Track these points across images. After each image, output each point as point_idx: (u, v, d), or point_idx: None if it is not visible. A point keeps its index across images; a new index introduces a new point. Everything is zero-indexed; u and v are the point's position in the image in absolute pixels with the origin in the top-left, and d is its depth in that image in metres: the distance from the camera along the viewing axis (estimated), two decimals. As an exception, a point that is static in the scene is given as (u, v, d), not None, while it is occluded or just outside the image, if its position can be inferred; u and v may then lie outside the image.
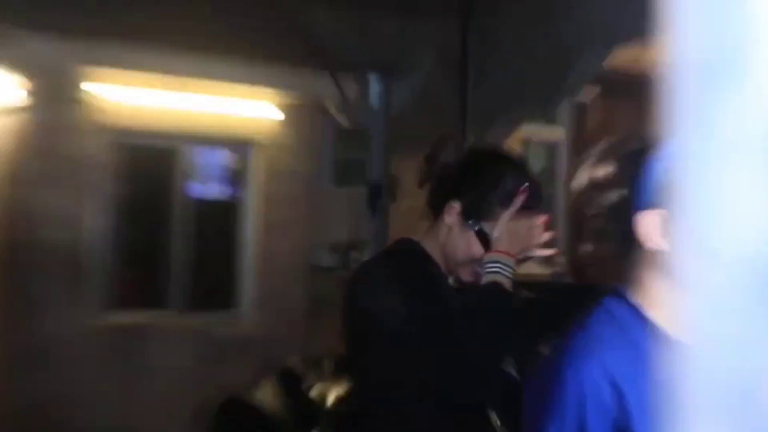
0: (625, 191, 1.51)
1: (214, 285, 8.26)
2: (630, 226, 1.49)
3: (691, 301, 0.57)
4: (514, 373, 2.35)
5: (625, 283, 1.57)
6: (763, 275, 0.58)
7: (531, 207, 2.32)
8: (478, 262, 2.31)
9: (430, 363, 2.11)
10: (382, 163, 8.71)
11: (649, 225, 1.46)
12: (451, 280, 2.39)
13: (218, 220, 8.36)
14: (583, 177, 1.57)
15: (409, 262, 2.30)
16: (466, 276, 2.35)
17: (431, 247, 2.35)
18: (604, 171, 1.54)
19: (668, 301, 1.48)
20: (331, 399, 5.69)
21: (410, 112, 8.65)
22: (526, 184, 2.32)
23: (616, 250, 1.54)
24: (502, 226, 2.28)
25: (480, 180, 2.33)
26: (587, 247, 1.58)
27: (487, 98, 8.61)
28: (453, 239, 2.33)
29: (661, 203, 1.45)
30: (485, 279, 2.25)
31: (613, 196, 1.51)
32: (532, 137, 10.66)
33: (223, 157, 8.53)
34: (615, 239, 1.54)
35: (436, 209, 2.38)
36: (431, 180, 2.41)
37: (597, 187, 1.55)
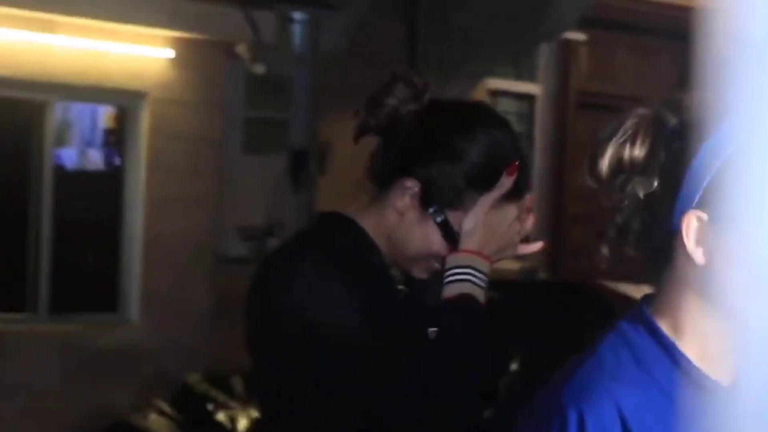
0: (658, 181, 1.48)
1: (88, 281, 8.36)
2: (663, 228, 1.48)
3: (739, 336, 0.57)
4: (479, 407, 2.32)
5: (651, 304, 1.53)
6: None
7: (518, 194, 2.21)
8: (437, 258, 2.20)
9: (375, 390, 2.04)
10: (308, 125, 8.83)
11: (686, 228, 1.43)
12: (394, 271, 2.26)
13: (94, 197, 8.44)
14: (609, 156, 1.54)
15: (340, 246, 2.16)
16: (418, 272, 2.23)
17: (372, 229, 2.21)
18: (636, 151, 1.51)
19: (707, 332, 1.47)
20: (242, 425, 5.92)
21: (344, 59, 8.80)
22: (516, 161, 2.19)
23: (642, 258, 1.52)
24: (478, 218, 2.16)
25: (443, 150, 2.17)
26: (604, 250, 1.55)
27: (442, 43, 8.82)
28: (405, 228, 2.19)
29: (704, 202, 1.42)
30: (451, 288, 2.15)
31: (644, 185, 1.49)
32: (501, 92, 10.90)
33: (101, 115, 8.63)
34: (641, 243, 1.52)
35: (380, 182, 2.23)
36: (374, 135, 2.25)
37: (625, 171, 1.52)
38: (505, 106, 10.83)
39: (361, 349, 2.04)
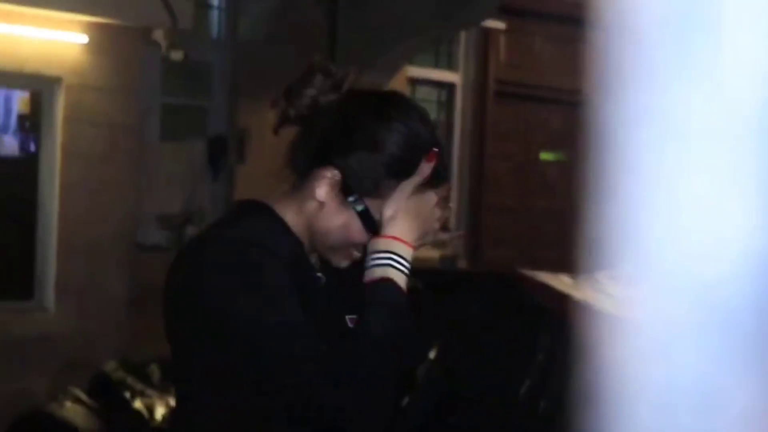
0: None
1: (3, 268, 8.29)
2: None
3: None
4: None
5: None
6: (723, 305, 0.57)
7: (437, 181, 2.24)
8: (357, 247, 2.23)
9: (298, 379, 2.05)
10: (226, 112, 8.84)
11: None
12: (313, 260, 2.30)
13: (9, 183, 8.38)
14: None
15: (260, 235, 2.16)
16: (338, 260, 2.26)
17: (292, 218, 2.23)
18: None
19: None
20: (160, 413, 5.92)
21: (264, 44, 8.82)
22: (435, 148, 2.23)
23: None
24: (399, 204, 2.19)
25: (361, 139, 2.20)
26: None
27: (362, 30, 8.88)
28: (325, 217, 2.21)
29: None
30: (372, 273, 2.17)
31: None
32: (420, 80, 10.98)
33: (15, 101, 8.57)
34: None
35: (300, 171, 2.25)
36: (293, 125, 2.28)
37: None
38: (424, 94, 10.91)
39: (295, 337, 2.05)
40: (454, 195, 10.57)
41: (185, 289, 2.13)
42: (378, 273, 2.16)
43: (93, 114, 8.24)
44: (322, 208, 2.21)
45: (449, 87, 11.17)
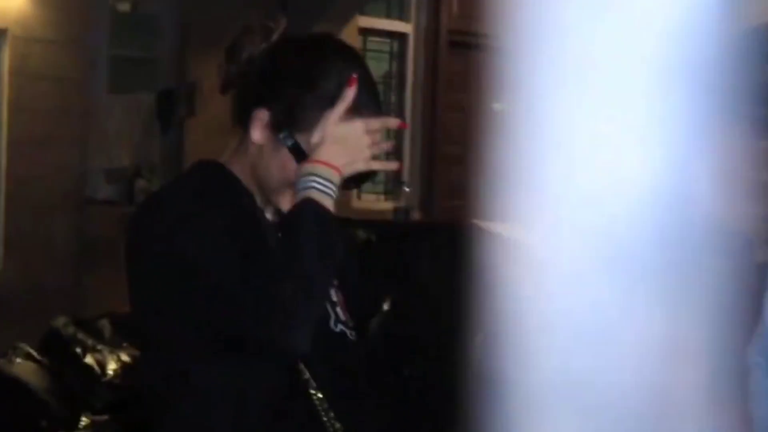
0: None
1: (-52, 224, 8.29)
2: None
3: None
4: (344, 330, 2.40)
5: None
6: (624, 240, 0.61)
7: (364, 107, 2.28)
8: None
9: (234, 308, 2.14)
10: (176, 63, 8.80)
11: None
12: (269, 214, 2.36)
13: (-46, 138, 8.35)
14: None
15: (212, 192, 2.27)
16: (285, 204, 2.31)
17: (241, 172, 2.32)
18: None
19: None
20: (111, 368, 5.94)
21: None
22: (355, 74, 2.27)
23: None
24: (324, 130, 2.23)
25: (290, 77, 2.29)
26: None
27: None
28: (264, 159, 2.29)
29: None
30: (297, 197, 2.22)
31: None
32: (372, 31, 10.95)
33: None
34: None
35: (242, 122, 2.32)
36: (236, 83, 2.39)
37: None
38: (376, 45, 10.88)
39: (224, 279, 2.13)
40: (407, 147, 10.59)
41: (135, 241, 2.26)
42: (301, 196, 2.19)
43: (40, 67, 8.19)
44: (261, 151, 2.28)
45: (401, 37, 11.14)
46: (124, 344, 6.04)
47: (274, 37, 2.37)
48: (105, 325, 6.29)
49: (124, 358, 5.95)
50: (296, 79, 2.27)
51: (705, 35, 0.61)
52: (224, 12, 7.31)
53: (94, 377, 5.86)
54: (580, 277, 0.61)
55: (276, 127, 2.26)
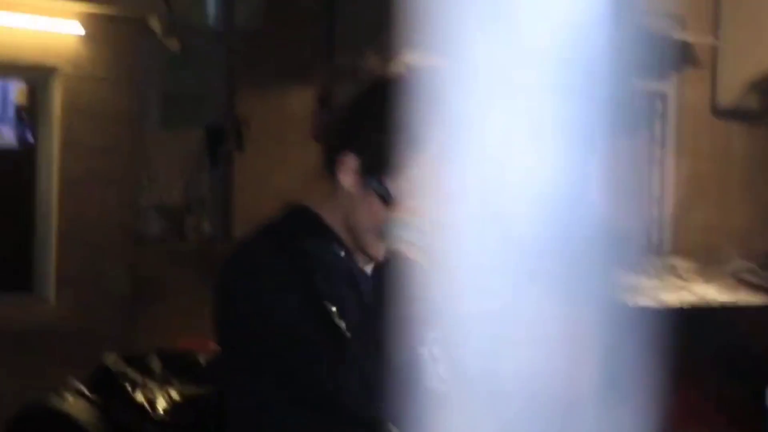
0: None
1: (3, 261, 8.33)
2: None
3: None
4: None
5: None
6: (523, 237, 0.66)
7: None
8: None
9: (335, 375, 2.08)
10: (224, 100, 8.85)
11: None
12: (363, 264, 2.31)
13: (8, 175, 8.42)
14: None
15: (306, 242, 2.22)
16: (375, 251, 2.24)
17: (331, 218, 2.26)
18: None
19: None
20: (161, 406, 5.96)
21: (262, 32, 8.81)
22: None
23: None
24: (405, 174, 2.16)
25: (379, 119, 2.16)
26: None
27: (360, 13, 8.86)
28: (354, 206, 2.22)
29: None
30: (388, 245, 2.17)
31: None
32: (415, 64, 10.96)
33: (12, 92, 8.60)
34: None
35: (329, 167, 2.24)
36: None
37: None
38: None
39: (333, 350, 2.09)
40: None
41: (234, 295, 2.19)
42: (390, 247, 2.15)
43: (90, 104, 8.26)
44: (351, 197, 2.21)
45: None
46: (173, 381, 6.06)
47: (363, 78, 2.28)
48: (154, 360, 6.31)
49: (174, 395, 5.97)
50: (383, 120, 2.15)
51: (597, 39, 0.64)
52: (274, 49, 7.35)
53: (144, 415, 5.88)
54: (485, 272, 0.65)
55: (364, 171, 2.19)
